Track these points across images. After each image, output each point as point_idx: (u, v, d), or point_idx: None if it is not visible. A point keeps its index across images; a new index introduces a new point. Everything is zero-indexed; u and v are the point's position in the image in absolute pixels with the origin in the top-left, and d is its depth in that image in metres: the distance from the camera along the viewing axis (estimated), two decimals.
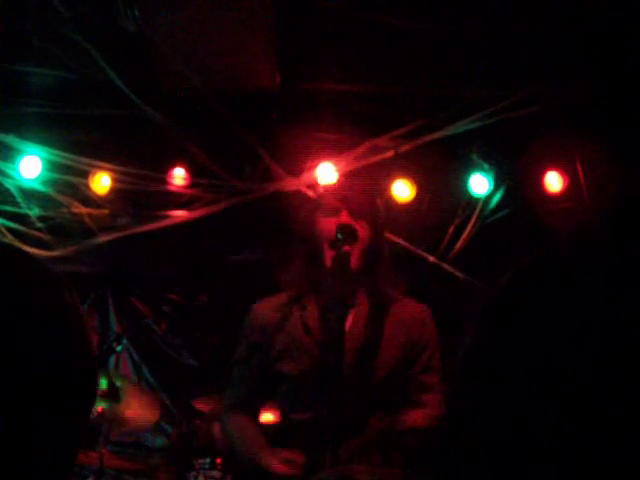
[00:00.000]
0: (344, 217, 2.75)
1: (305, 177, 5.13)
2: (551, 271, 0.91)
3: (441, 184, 5.33)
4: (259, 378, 2.94)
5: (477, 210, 5.22)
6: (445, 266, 5.17)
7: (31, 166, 5.10)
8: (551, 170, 5.22)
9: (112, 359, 5.58)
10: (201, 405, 4.96)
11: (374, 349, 2.73)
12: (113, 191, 5.30)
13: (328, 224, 2.77)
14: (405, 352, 2.79)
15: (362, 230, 2.77)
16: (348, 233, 2.68)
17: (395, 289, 2.87)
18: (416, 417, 2.72)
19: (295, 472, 2.61)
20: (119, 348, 4.88)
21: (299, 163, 5.18)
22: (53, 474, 0.96)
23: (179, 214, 5.31)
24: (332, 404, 2.57)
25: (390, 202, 3.65)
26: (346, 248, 2.67)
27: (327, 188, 2.97)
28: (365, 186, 2.88)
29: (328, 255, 2.74)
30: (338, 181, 2.99)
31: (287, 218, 5.19)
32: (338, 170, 4.92)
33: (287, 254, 2.98)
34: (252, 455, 2.81)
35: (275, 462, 2.66)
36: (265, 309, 2.98)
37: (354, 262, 2.71)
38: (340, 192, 2.84)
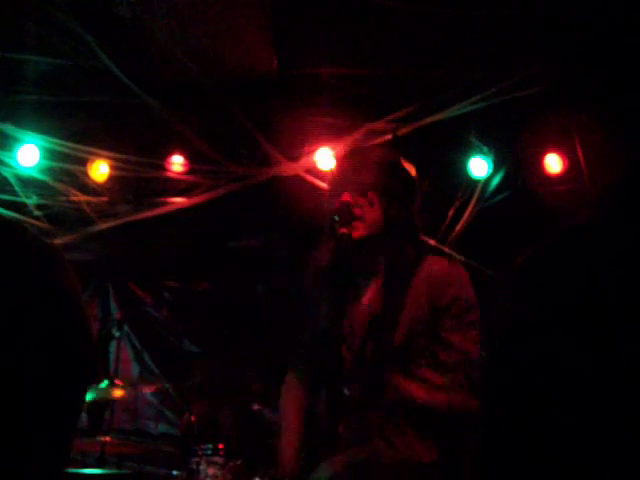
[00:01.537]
0: (344, 197, 2.71)
1: (303, 161, 5.12)
2: (585, 243, 0.89)
3: (440, 167, 5.31)
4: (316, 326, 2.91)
5: (477, 193, 5.22)
6: (445, 249, 5.16)
7: (29, 154, 5.09)
8: (551, 152, 5.21)
9: (113, 346, 5.58)
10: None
11: (391, 317, 2.70)
12: (111, 179, 5.30)
13: (331, 207, 2.77)
14: (426, 313, 2.72)
15: (368, 203, 2.74)
16: (344, 213, 2.68)
17: (415, 251, 2.83)
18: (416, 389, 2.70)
19: None
20: (118, 334, 4.89)
21: (297, 148, 5.18)
22: (50, 449, 0.95)
23: (178, 201, 5.31)
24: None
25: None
26: (342, 230, 2.66)
27: (334, 171, 2.94)
28: (370, 160, 2.83)
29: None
30: (342, 161, 2.94)
31: (285, 203, 5.23)
32: (336, 154, 4.93)
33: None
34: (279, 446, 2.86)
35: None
36: (318, 259, 2.93)
37: (358, 232, 2.70)
38: (344, 171, 2.81)
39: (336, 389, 2.59)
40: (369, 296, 2.78)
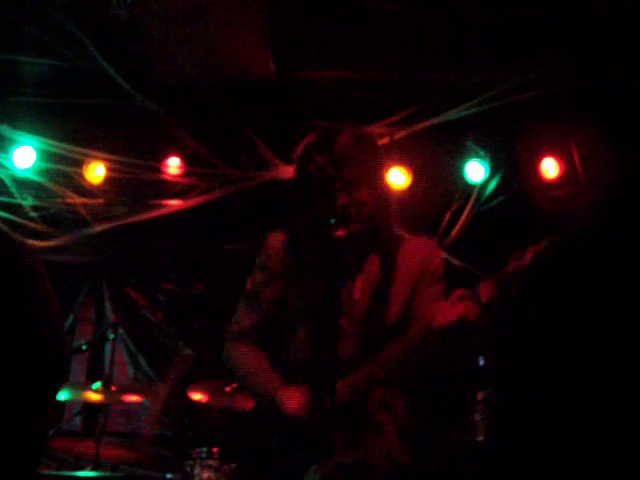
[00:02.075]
0: (341, 199, 2.70)
1: None
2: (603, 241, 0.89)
3: (437, 171, 5.32)
4: (270, 311, 2.91)
5: (473, 197, 5.22)
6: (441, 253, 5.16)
7: (25, 156, 5.09)
8: (547, 156, 5.21)
9: (108, 348, 5.56)
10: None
11: (382, 307, 2.74)
12: (107, 181, 5.29)
13: (326, 206, 2.74)
14: (414, 290, 2.78)
15: (359, 200, 2.73)
16: (341, 217, 2.67)
17: (399, 234, 2.87)
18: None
19: (307, 416, 2.61)
20: (112, 336, 4.88)
21: (293, 151, 5.17)
22: (18, 447, 0.94)
23: (174, 203, 5.31)
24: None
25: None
26: (339, 233, 2.65)
27: (320, 167, 2.87)
28: (358, 157, 2.82)
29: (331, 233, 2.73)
30: (331, 159, 2.88)
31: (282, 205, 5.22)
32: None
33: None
34: (266, 390, 2.78)
35: (290, 404, 2.66)
36: (282, 243, 2.95)
37: (354, 230, 2.70)
38: (329, 168, 2.78)
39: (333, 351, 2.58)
40: (359, 290, 2.79)
